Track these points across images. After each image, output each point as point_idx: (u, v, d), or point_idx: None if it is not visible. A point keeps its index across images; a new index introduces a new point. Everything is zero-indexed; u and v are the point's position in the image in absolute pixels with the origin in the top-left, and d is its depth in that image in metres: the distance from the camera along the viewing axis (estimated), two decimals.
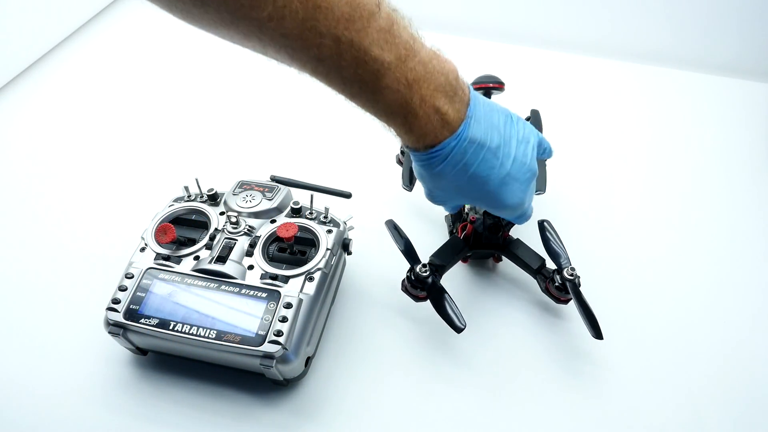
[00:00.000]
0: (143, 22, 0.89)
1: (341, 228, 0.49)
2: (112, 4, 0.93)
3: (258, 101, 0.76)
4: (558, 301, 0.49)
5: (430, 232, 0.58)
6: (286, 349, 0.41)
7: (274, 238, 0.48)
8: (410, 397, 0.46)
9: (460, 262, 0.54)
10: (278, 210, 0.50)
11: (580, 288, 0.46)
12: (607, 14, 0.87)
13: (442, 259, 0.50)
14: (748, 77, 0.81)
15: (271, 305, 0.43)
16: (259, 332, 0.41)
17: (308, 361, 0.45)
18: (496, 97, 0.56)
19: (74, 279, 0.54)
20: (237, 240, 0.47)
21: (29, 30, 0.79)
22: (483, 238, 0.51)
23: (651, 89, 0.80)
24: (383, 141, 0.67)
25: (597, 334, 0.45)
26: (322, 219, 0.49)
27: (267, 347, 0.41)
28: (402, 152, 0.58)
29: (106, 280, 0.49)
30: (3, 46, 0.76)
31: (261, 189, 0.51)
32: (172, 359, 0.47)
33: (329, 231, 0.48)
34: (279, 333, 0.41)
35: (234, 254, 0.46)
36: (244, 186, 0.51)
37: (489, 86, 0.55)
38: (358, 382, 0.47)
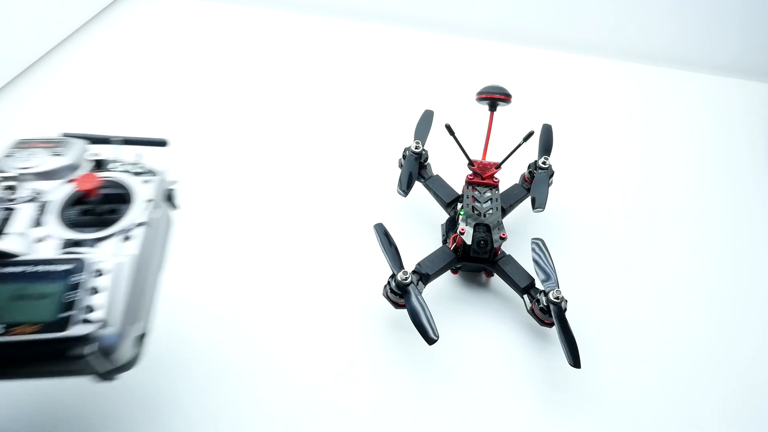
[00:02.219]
0: (144, 21, 0.89)
1: (160, 177, 0.41)
2: (113, 4, 0.93)
3: (260, 102, 0.76)
4: (542, 323, 0.48)
5: (427, 236, 0.57)
6: (106, 327, 0.33)
7: (74, 200, 0.39)
8: (390, 401, 0.46)
9: (450, 273, 0.53)
10: (73, 168, 0.41)
11: (566, 313, 0.45)
12: (607, 14, 0.87)
13: (429, 268, 0.49)
14: (748, 77, 0.81)
15: (77, 278, 0.34)
16: (62, 315, 0.33)
17: (140, 340, 0.37)
18: (502, 109, 0.55)
19: None
20: (18, 209, 0.38)
21: (29, 30, 0.79)
22: (471, 251, 0.50)
23: (651, 89, 0.80)
24: (385, 142, 0.68)
25: (575, 362, 0.43)
26: (134, 170, 0.41)
27: (75, 329, 0.32)
28: (404, 156, 0.57)
29: None
30: (3, 46, 0.76)
31: (47, 145, 0.42)
32: None
33: (146, 181, 0.40)
34: (90, 309, 0.33)
35: (14, 226, 0.37)
36: (22, 145, 0.42)
37: (495, 97, 0.53)
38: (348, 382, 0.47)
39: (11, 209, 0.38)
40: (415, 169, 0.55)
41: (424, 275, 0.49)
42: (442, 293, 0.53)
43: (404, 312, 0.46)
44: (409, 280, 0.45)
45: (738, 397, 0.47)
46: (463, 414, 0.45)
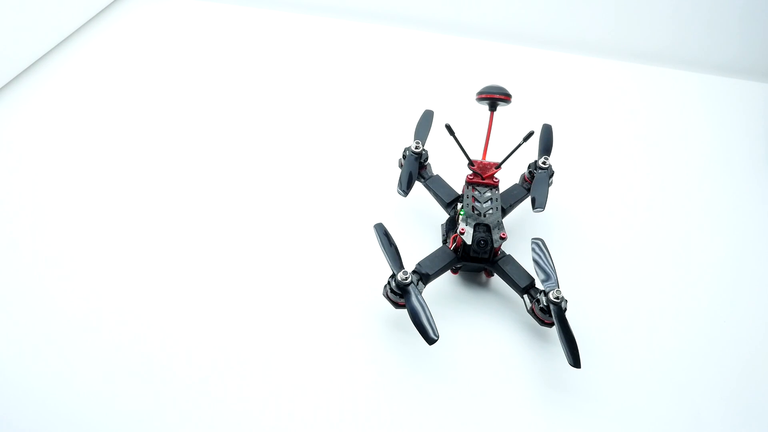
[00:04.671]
0: (144, 21, 0.89)
1: None
2: (113, 4, 0.93)
3: (260, 101, 0.76)
4: (542, 323, 0.48)
5: (427, 236, 0.57)
6: None
7: None
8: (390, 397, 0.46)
9: (450, 273, 0.53)
10: None
11: (566, 313, 0.45)
12: (607, 14, 0.87)
13: (429, 268, 0.49)
14: (748, 77, 0.81)
15: None
16: None
17: None
18: (502, 109, 0.55)
19: (86, 288, 0.54)
20: None
21: (29, 30, 0.79)
22: (471, 251, 0.50)
23: (651, 89, 0.80)
24: (385, 142, 0.68)
25: (575, 362, 0.43)
26: None
27: None
28: (404, 156, 0.57)
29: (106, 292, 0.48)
30: (3, 46, 0.76)
31: None
32: None
33: None
34: None
35: None
36: None
37: (495, 97, 0.53)
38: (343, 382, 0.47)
39: None
40: (415, 169, 0.55)
41: (424, 275, 0.49)
42: (442, 293, 0.53)
43: (404, 312, 0.46)
44: (409, 280, 0.45)
45: (739, 396, 0.47)
46: (463, 414, 0.45)
